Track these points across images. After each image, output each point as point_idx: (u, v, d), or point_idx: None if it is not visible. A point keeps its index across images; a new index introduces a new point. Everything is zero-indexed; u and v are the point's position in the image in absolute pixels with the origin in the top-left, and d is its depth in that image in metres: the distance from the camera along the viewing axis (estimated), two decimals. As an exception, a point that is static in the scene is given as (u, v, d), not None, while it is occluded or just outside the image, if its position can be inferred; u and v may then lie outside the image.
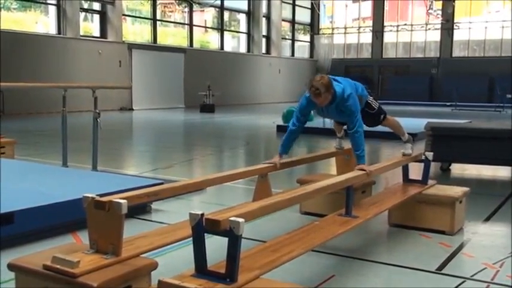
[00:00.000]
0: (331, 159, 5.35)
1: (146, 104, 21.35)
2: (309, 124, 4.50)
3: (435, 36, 30.83)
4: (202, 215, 2.32)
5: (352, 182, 3.65)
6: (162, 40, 23.68)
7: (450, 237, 4.12)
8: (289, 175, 5.85)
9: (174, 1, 24.60)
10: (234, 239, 2.25)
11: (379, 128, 4.76)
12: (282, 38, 31.17)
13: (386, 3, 32.03)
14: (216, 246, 2.57)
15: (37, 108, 17.27)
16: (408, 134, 4.73)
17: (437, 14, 30.35)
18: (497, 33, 29.11)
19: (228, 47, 27.85)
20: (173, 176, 6.29)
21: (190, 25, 24.96)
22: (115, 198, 2.57)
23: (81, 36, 19.63)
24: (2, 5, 17.62)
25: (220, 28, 27.05)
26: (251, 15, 28.40)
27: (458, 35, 30.29)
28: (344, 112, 3.98)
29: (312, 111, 4.25)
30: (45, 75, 17.22)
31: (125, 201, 2.53)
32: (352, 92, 3.99)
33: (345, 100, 3.92)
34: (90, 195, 2.61)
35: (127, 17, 22.38)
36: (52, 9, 19.29)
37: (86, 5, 20.54)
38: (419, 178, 4.58)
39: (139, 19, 23.40)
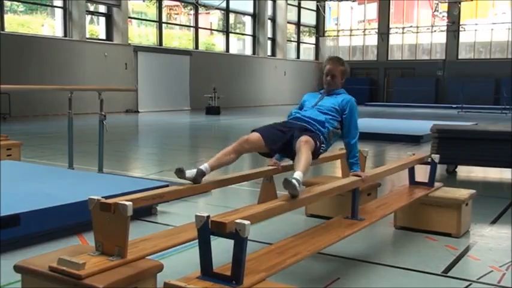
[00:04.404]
0: (336, 161, 5.34)
1: (152, 106, 21.40)
2: None
3: (441, 38, 30.76)
4: (208, 217, 2.32)
5: (358, 185, 3.64)
6: (167, 42, 23.73)
7: (456, 239, 4.11)
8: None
9: (179, 3, 24.65)
10: (240, 241, 2.25)
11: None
12: (288, 40, 31.18)
13: (391, 5, 32.00)
14: (221, 249, 2.57)
15: (43, 110, 17.36)
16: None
17: (443, 16, 30.27)
18: (504, 35, 29.00)
19: (233, 50, 27.87)
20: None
21: (196, 27, 25.01)
22: (120, 201, 2.57)
23: (87, 38, 19.70)
24: (8, 8, 17.71)
25: (226, 30, 27.08)
26: (256, 17, 28.43)
27: (464, 37, 30.20)
28: (336, 111, 3.76)
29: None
30: (51, 78, 17.33)
31: (130, 203, 2.54)
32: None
33: (349, 101, 3.82)
34: (95, 197, 2.62)
35: (133, 20, 22.45)
36: (58, 12, 19.37)
37: (92, 8, 20.60)
38: (426, 180, 4.56)
39: (145, 22, 23.47)
